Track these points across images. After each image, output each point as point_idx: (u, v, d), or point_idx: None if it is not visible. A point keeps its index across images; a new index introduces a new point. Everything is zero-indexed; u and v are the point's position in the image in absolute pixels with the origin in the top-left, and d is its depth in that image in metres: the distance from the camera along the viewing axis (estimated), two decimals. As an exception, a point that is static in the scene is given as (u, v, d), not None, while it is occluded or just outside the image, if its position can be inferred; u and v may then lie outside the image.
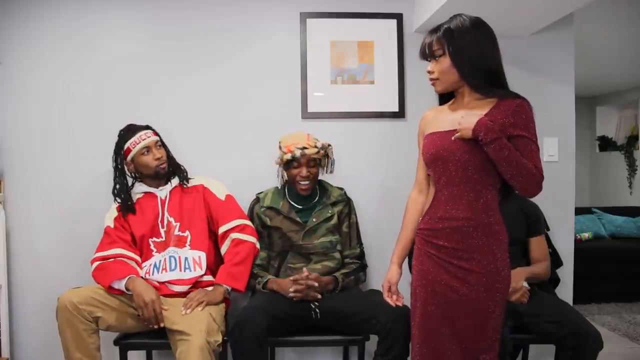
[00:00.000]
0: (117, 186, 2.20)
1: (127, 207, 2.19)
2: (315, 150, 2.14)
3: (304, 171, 2.14)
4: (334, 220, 2.21)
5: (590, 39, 3.79)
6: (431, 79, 1.62)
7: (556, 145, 2.57)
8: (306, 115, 2.51)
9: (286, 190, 2.26)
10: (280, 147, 2.19)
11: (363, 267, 2.26)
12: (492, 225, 1.54)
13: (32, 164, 2.45)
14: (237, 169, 2.49)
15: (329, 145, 2.21)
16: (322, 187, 2.29)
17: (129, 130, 2.20)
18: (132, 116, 2.30)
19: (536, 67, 2.56)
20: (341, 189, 2.31)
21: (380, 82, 2.52)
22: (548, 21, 2.39)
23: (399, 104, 2.53)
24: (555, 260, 2.35)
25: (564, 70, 2.58)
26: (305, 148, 2.12)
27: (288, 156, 2.13)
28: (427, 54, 1.59)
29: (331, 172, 2.25)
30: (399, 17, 2.51)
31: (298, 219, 2.19)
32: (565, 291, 2.52)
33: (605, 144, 6.56)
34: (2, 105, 2.44)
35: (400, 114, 2.53)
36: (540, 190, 1.51)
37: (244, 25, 2.50)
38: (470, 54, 1.52)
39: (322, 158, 2.19)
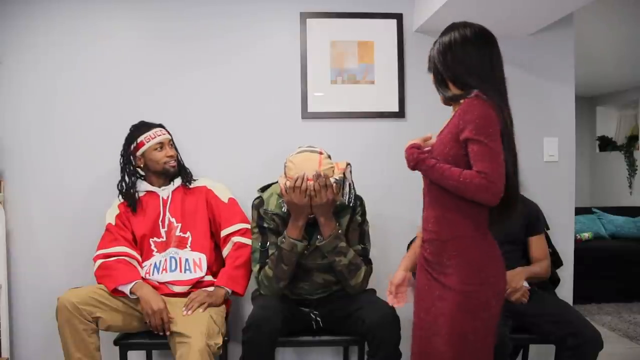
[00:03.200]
0: (125, 179, 2.21)
1: (132, 203, 2.19)
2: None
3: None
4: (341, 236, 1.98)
5: (590, 39, 3.80)
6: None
7: (556, 145, 2.57)
8: (306, 115, 2.51)
9: None
10: (285, 173, 1.95)
11: (365, 261, 2.06)
12: (459, 239, 1.49)
13: (32, 164, 2.45)
14: (237, 168, 2.49)
15: (348, 164, 1.97)
16: None
17: (144, 125, 2.23)
18: (132, 116, 2.30)
19: (536, 67, 2.56)
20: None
21: (380, 82, 2.52)
22: (548, 21, 2.39)
23: (399, 104, 2.52)
24: (555, 260, 2.35)
25: (564, 70, 2.58)
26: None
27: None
28: (429, 68, 1.63)
29: (349, 202, 1.99)
30: (399, 17, 2.51)
31: (303, 233, 1.97)
32: (565, 291, 2.52)
33: (605, 144, 6.56)
34: (2, 105, 2.44)
35: (400, 114, 2.53)
36: (495, 196, 1.38)
37: (244, 25, 2.50)
38: (437, 72, 1.56)
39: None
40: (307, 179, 1.87)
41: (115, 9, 2.47)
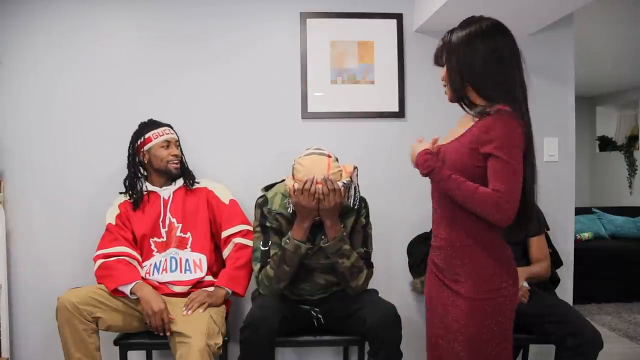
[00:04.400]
0: (132, 174, 2.21)
1: (137, 198, 2.20)
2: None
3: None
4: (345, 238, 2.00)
5: (590, 39, 3.80)
6: (444, 86, 1.57)
7: (556, 145, 2.57)
8: (306, 115, 2.51)
9: None
10: (293, 174, 1.94)
11: (367, 264, 2.08)
12: (471, 247, 1.47)
13: (32, 164, 2.45)
14: (236, 168, 2.49)
15: (355, 168, 1.97)
16: None
17: (153, 123, 2.25)
18: (132, 116, 2.31)
19: (536, 67, 2.53)
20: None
21: (380, 82, 2.52)
22: (548, 21, 2.39)
23: (399, 104, 2.52)
24: (555, 260, 2.35)
25: (564, 70, 2.57)
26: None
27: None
28: (436, 60, 1.55)
29: (354, 205, 2.00)
30: (399, 17, 2.51)
31: (307, 235, 1.98)
32: (565, 291, 2.52)
33: (605, 144, 6.56)
34: (2, 105, 2.43)
35: (400, 114, 2.53)
36: (506, 218, 1.35)
37: (244, 25, 2.50)
38: (460, 68, 1.47)
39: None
40: (316, 182, 1.87)
41: (115, 9, 2.47)
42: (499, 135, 1.37)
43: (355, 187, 1.99)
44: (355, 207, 2.03)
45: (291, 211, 1.99)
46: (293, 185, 1.89)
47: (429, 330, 1.61)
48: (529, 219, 1.48)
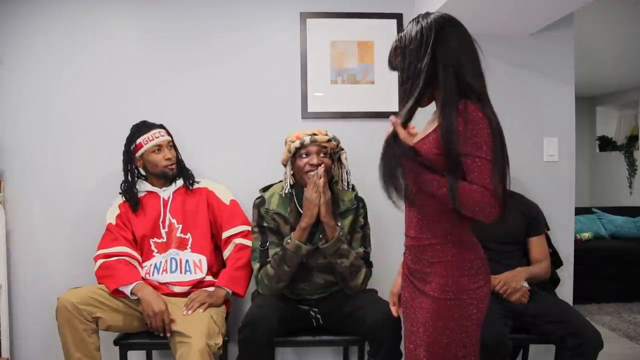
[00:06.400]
0: (128, 179, 2.21)
1: (133, 202, 2.19)
2: (327, 138, 2.02)
3: (314, 159, 1.98)
4: (343, 238, 2.01)
5: (590, 39, 3.80)
6: None
7: (556, 145, 2.57)
8: (306, 115, 2.51)
9: (294, 194, 2.06)
10: (286, 142, 2.06)
11: (366, 263, 2.09)
12: (440, 245, 1.40)
13: (32, 164, 2.45)
14: (236, 168, 2.49)
15: (342, 148, 2.12)
16: (332, 194, 2.06)
17: (144, 126, 2.22)
18: (132, 116, 2.30)
19: (536, 67, 2.56)
20: (353, 189, 2.13)
21: (380, 82, 2.52)
22: (548, 21, 2.39)
23: (399, 104, 2.52)
24: (555, 260, 2.35)
25: (564, 70, 2.57)
26: (315, 134, 2.00)
27: (296, 144, 1.99)
28: (392, 67, 1.51)
29: (348, 187, 2.10)
30: (399, 17, 2.51)
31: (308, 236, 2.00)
32: (565, 291, 2.52)
33: (605, 144, 6.56)
34: (2, 105, 2.44)
35: (400, 114, 2.53)
36: (496, 213, 1.27)
37: (244, 25, 2.50)
38: (413, 63, 1.42)
39: (334, 153, 2.07)
40: (320, 176, 1.94)
41: (115, 9, 2.47)
42: (469, 129, 1.33)
43: (347, 171, 2.11)
44: (349, 188, 2.11)
45: (289, 211, 2.00)
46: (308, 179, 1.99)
47: (404, 338, 1.53)
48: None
